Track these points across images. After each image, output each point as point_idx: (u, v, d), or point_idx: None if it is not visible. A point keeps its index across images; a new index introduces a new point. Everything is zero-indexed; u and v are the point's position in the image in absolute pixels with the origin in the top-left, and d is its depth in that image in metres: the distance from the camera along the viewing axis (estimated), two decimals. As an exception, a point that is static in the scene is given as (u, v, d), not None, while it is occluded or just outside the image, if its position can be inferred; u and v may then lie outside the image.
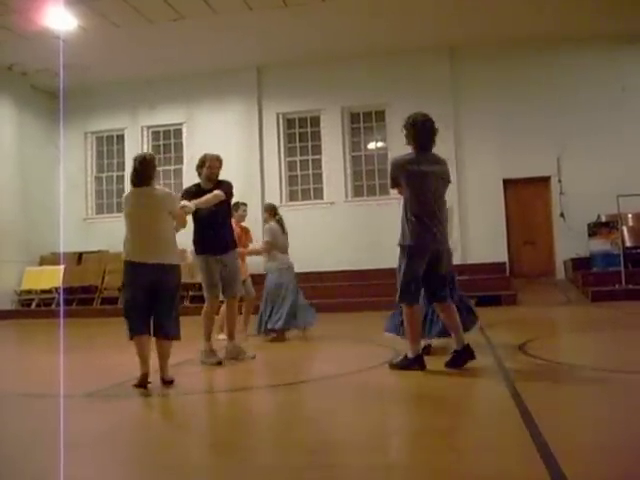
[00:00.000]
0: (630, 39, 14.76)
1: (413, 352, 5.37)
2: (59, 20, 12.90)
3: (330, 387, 5.19)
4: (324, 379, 5.44)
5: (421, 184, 5.44)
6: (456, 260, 15.00)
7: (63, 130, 16.78)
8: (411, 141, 5.48)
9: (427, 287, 5.51)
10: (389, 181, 5.66)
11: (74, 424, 3.90)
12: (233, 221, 7.49)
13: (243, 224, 8.95)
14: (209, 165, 6.64)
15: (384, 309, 12.63)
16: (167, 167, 17.38)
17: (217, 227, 6.47)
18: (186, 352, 6.22)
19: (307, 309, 8.61)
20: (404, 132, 5.53)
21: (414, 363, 5.34)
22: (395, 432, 3.83)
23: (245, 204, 9.07)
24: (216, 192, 6.30)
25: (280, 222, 8.70)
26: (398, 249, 5.48)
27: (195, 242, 6.52)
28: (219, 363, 6.21)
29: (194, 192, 6.40)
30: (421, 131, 5.44)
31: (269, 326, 8.31)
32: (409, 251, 5.36)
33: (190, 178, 16.75)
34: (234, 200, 7.31)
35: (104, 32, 13.71)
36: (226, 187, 6.59)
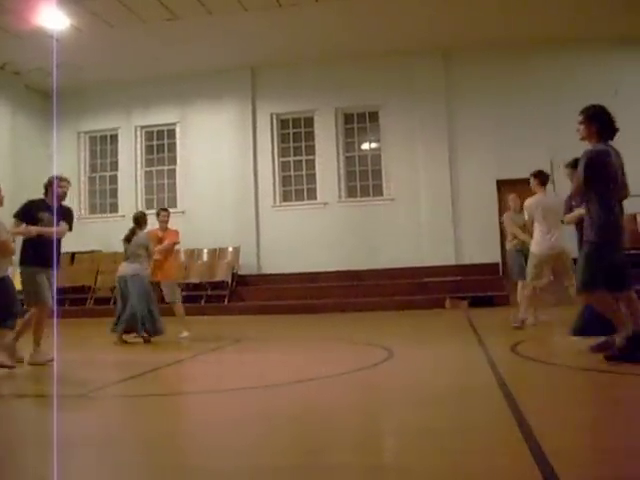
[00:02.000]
0: (623, 42, 14.80)
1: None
2: (52, 19, 12.86)
3: (325, 388, 5.20)
4: (319, 379, 5.44)
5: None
6: (450, 261, 15.23)
7: (56, 130, 16.72)
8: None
9: None
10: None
11: (68, 424, 3.89)
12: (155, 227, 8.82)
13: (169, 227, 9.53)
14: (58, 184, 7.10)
15: (378, 309, 12.73)
16: (160, 167, 17.38)
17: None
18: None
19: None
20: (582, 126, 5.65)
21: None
22: (388, 433, 3.84)
23: (166, 209, 9.79)
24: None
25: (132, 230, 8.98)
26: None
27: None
28: None
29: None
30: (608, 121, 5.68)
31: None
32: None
33: (183, 178, 16.85)
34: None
35: (98, 32, 13.69)
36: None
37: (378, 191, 16.17)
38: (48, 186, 7.16)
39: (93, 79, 16.53)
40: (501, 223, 9.66)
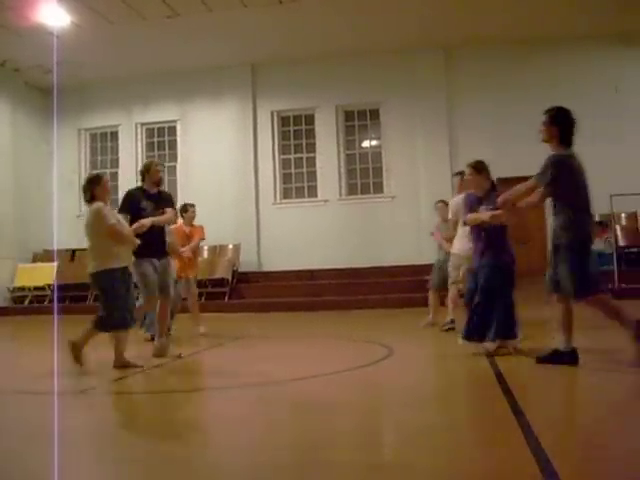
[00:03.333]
0: (624, 40, 14.78)
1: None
2: (52, 16, 12.85)
3: (325, 385, 5.20)
4: (319, 377, 5.44)
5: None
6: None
7: (56, 127, 16.70)
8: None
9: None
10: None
11: (68, 421, 3.90)
12: (180, 222, 8.65)
13: (195, 223, 9.52)
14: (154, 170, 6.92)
15: (378, 307, 12.72)
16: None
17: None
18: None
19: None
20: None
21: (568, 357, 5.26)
22: (388, 430, 3.84)
23: (193, 205, 9.75)
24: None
25: None
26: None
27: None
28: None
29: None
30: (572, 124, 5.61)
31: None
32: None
33: (184, 175, 16.83)
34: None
35: (98, 29, 13.67)
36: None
37: (379, 188, 16.16)
38: (145, 172, 6.91)
39: (93, 76, 16.51)
40: (432, 234, 9.40)
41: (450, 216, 8.50)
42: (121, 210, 6.60)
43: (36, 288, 15.72)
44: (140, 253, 6.35)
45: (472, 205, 6.02)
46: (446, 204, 9.29)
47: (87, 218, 5.97)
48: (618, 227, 14.33)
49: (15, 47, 14.38)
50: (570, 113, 5.57)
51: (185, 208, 9.53)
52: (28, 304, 15.71)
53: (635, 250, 14.30)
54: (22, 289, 15.93)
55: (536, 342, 7.03)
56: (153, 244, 6.52)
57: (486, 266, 6.01)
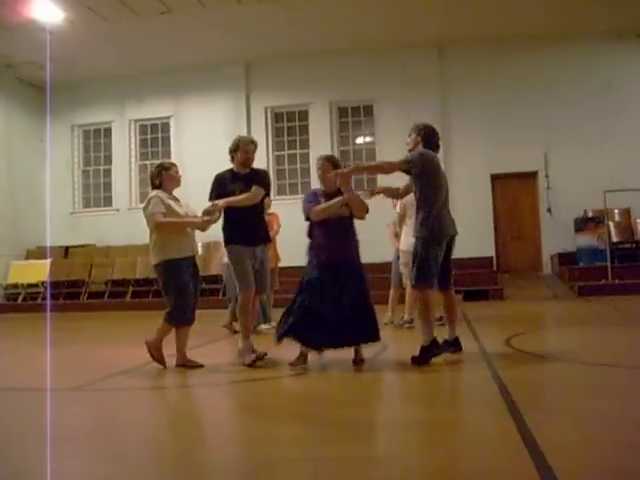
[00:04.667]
0: (616, 37, 14.82)
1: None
2: (46, 12, 12.80)
3: (319, 380, 5.21)
4: (313, 372, 5.45)
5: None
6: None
7: (50, 123, 16.67)
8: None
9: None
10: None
11: (61, 418, 3.89)
12: None
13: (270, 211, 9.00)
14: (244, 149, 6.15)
15: (374, 303, 12.71)
16: (154, 161, 17.29)
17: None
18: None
19: None
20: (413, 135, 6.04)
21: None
22: (382, 425, 3.85)
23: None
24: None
25: None
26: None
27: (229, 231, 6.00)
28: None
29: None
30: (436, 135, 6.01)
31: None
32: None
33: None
34: None
35: (91, 25, 13.61)
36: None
37: (373, 185, 16.15)
38: (234, 152, 6.21)
39: (87, 72, 16.44)
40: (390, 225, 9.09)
41: (398, 209, 8.48)
42: (210, 197, 5.90)
43: (29, 285, 15.66)
44: (232, 239, 5.84)
45: (318, 201, 5.86)
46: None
47: (145, 205, 5.75)
48: (611, 223, 14.38)
49: (8, 43, 14.29)
50: (434, 129, 6.08)
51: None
52: (21, 301, 15.66)
53: (628, 246, 14.35)
54: (15, 286, 15.87)
55: (533, 338, 7.07)
56: (247, 229, 5.88)
57: None
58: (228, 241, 5.92)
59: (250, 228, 5.91)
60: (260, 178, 6.11)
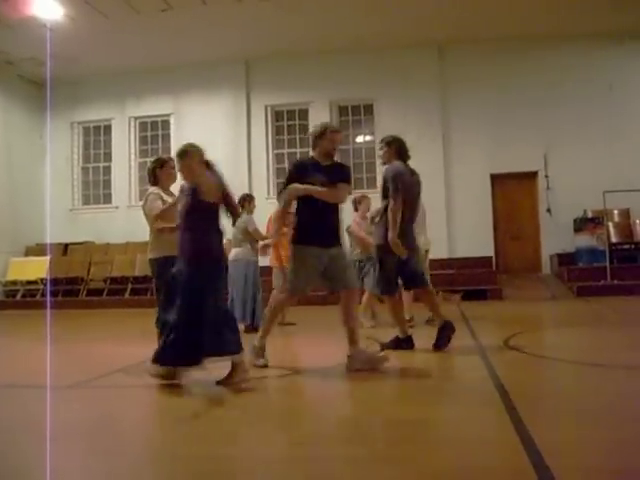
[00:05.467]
0: (617, 39, 14.83)
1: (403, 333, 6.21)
2: (46, 9, 12.80)
3: (319, 379, 5.21)
4: (312, 371, 5.45)
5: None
6: (443, 254, 15.26)
7: (50, 120, 16.67)
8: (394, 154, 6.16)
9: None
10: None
11: (60, 415, 3.89)
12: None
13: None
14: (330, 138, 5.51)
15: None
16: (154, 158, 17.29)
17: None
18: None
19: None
20: (385, 148, 6.23)
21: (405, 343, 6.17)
22: (379, 424, 3.85)
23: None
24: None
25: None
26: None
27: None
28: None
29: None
30: (404, 145, 6.22)
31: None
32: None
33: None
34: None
35: (91, 21, 13.60)
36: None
37: (372, 184, 16.13)
38: (318, 138, 5.47)
39: (87, 69, 16.44)
40: (349, 231, 8.63)
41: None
42: (287, 184, 5.35)
43: (28, 282, 15.67)
44: (306, 239, 5.27)
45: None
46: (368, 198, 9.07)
47: (143, 203, 5.74)
48: (610, 224, 14.39)
49: (8, 40, 14.29)
50: (402, 139, 6.26)
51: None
52: (20, 298, 15.66)
53: (627, 246, 14.37)
54: (14, 283, 15.88)
55: (531, 338, 7.07)
56: (325, 229, 5.33)
57: None
58: (300, 241, 5.30)
59: (329, 228, 5.38)
60: (346, 174, 5.51)
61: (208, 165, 5.01)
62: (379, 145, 6.37)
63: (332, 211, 5.36)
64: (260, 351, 5.45)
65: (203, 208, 4.88)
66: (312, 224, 5.28)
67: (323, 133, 5.44)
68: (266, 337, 5.48)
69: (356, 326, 5.41)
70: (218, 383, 4.71)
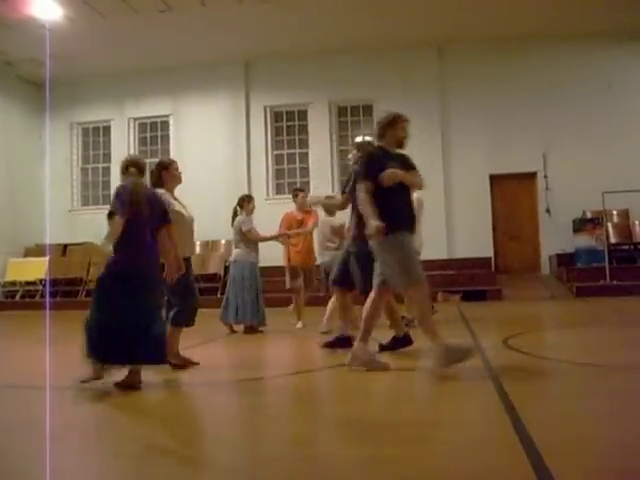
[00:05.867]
0: (617, 37, 14.83)
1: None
2: (45, 9, 12.80)
3: (317, 379, 5.20)
4: (312, 372, 5.45)
5: None
6: (442, 255, 15.27)
7: (49, 121, 16.66)
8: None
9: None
10: None
11: (59, 416, 3.89)
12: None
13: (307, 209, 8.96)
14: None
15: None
16: (153, 159, 17.26)
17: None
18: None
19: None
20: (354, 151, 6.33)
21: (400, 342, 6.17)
22: (378, 425, 3.85)
23: (303, 190, 9.57)
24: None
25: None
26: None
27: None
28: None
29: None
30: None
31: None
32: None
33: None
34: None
35: (90, 22, 13.61)
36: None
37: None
38: (389, 127, 5.33)
39: (86, 70, 16.45)
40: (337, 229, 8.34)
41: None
42: (368, 175, 5.12)
43: (28, 283, 15.66)
44: (401, 225, 5.07)
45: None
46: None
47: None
48: (610, 224, 14.41)
49: (7, 40, 14.29)
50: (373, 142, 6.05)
51: (295, 193, 9.14)
52: (19, 299, 15.65)
53: (626, 247, 14.38)
54: (13, 284, 15.87)
55: (531, 338, 7.07)
56: (408, 215, 5.25)
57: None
58: (397, 227, 5.01)
59: (412, 215, 5.29)
60: (412, 164, 5.35)
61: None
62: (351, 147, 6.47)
63: (409, 199, 5.36)
64: (455, 349, 4.98)
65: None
66: (404, 211, 5.19)
67: (395, 121, 5.34)
68: (438, 334, 5.04)
69: (372, 325, 5.28)
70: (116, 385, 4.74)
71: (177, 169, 5.90)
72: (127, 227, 4.66)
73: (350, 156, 6.31)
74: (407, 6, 13.50)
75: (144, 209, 4.82)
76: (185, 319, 5.58)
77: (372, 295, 5.28)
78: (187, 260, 5.60)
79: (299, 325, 8.73)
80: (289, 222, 8.93)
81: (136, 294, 4.68)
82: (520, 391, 4.22)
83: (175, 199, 5.82)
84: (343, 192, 6.32)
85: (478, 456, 2.98)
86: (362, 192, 5.11)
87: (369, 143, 6.34)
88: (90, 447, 3.43)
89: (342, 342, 6.25)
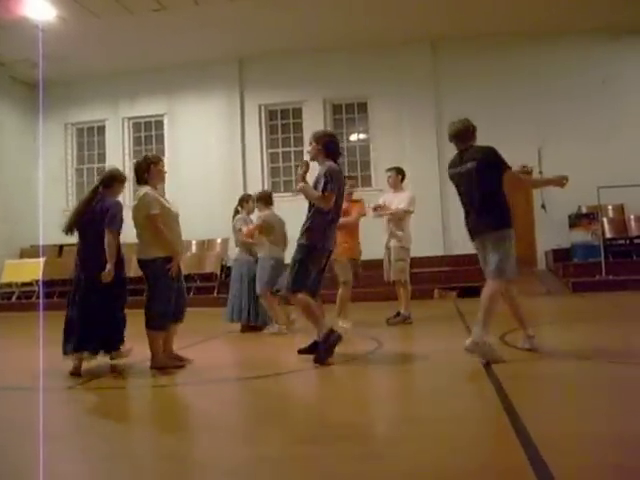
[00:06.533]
0: (611, 33, 14.83)
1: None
2: (38, 9, 12.73)
3: (314, 378, 5.20)
4: (308, 370, 5.44)
5: None
6: (439, 251, 15.27)
7: (43, 121, 16.60)
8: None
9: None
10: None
11: (54, 416, 3.88)
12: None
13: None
14: None
15: (368, 300, 12.73)
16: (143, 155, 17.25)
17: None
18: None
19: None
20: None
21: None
22: (378, 422, 3.85)
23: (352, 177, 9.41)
24: None
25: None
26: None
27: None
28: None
29: None
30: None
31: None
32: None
33: (171, 170, 16.74)
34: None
35: (84, 22, 13.55)
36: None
37: (367, 182, 16.14)
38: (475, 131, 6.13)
39: (80, 70, 16.39)
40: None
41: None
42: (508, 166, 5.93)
43: (23, 284, 15.62)
44: (510, 223, 5.87)
45: None
46: None
47: (135, 203, 5.66)
48: (605, 219, 14.42)
49: (0, 41, 14.23)
50: (334, 135, 6.30)
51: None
52: (15, 300, 15.60)
53: (622, 242, 14.40)
54: (9, 285, 15.82)
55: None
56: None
57: None
58: (510, 224, 5.91)
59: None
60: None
61: None
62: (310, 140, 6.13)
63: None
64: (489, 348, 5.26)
65: None
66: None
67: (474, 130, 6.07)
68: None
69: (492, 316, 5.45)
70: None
71: (164, 166, 5.96)
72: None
73: (309, 149, 6.05)
74: (400, 2, 13.47)
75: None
76: (158, 322, 5.55)
77: (492, 286, 5.46)
78: (168, 260, 5.57)
79: (346, 325, 7.99)
80: None
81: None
82: (517, 386, 4.23)
83: (160, 195, 5.81)
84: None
85: (476, 452, 2.99)
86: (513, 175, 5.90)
87: (325, 134, 6.17)
88: (82, 448, 3.42)
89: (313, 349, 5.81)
